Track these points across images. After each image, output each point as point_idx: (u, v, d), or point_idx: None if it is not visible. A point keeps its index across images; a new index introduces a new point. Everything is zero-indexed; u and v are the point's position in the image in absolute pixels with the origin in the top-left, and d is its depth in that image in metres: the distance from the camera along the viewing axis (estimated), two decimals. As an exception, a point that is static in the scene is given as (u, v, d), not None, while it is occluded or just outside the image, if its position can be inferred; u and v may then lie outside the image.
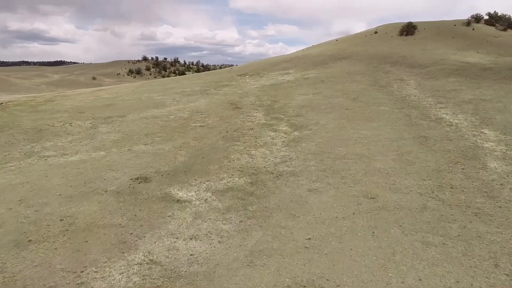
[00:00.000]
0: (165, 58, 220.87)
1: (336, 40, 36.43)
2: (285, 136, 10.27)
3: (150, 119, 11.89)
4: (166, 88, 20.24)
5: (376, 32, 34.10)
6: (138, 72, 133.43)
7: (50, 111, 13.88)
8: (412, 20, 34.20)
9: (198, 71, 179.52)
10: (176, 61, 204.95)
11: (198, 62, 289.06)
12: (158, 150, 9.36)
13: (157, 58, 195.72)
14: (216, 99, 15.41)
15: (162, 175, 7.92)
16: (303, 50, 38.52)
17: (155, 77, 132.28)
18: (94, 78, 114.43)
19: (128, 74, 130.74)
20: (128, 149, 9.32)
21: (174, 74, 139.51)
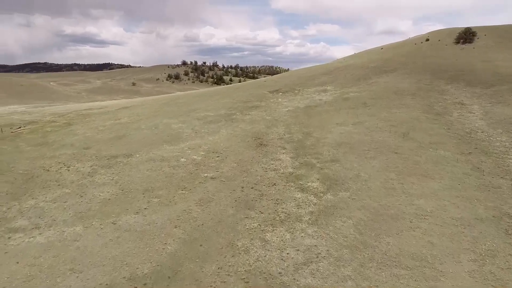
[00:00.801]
0: (204, 63, 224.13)
1: (381, 49, 33.48)
2: (314, 201, 8.14)
3: (158, 162, 10.35)
4: (190, 109, 18.83)
5: (427, 40, 30.80)
6: (177, 77, 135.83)
7: (57, 144, 12.84)
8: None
9: (236, 75, 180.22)
10: (214, 65, 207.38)
11: (236, 66, 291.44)
12: (149, 225, 7.47)
13: (196, 62, 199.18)
14: (240, 129, 13.64)
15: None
16: (344, 59, 35.94)
17: (193, 82, 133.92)
18: (133, 84, 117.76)
19: (167, 79, 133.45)
20: (113, 223, 7.64)
21: (212, 79, 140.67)
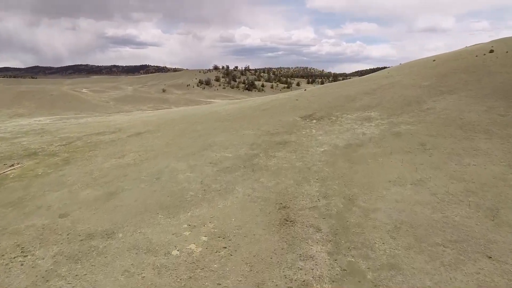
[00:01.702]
0: (236, 67, 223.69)
1: (434, 61, 29.39)
2: None
3: (141, 255, 7.60)
4: (206, 144, 16.19)
5: (492, 51, 26.47)
6: (208, 83, 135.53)
7: (32, 205, 10.49)
8: None
9: (268, 79, 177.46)
10: (246, 69, 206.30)
11: (269, 69, 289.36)
12: None
13: (227, 67, 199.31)
14: (261, 188, 10.71)
15: None
16: (389, 72, 32.12)
17: (224, 88, 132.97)
18: (164, 91, 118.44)
19: (197, 85, 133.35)
20: None
21: (243, 85, 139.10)
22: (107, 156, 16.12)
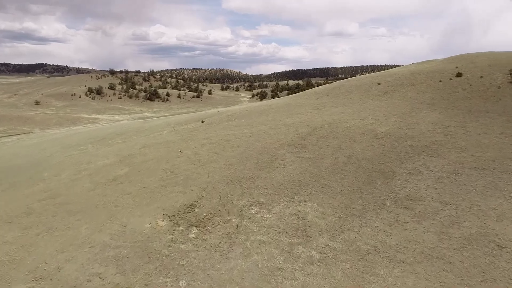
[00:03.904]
0: (139, 71, 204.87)
1: (379, 84, 21.85)
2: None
3: None
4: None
5: (459, 75, 19.60)
6: (99, 92, 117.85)
7: None
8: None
9: (176, 86, 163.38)
10: (151, 74, 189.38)
11: (177, 75, 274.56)
12: None
13: (127, 71, 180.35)
14: None
15: None
16: (318, 98, 24.07)
17: (120, 98, 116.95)
18: (37, 103, 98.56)
19: (86, 95, 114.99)
20: None
21: (144, 93, 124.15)
22: None
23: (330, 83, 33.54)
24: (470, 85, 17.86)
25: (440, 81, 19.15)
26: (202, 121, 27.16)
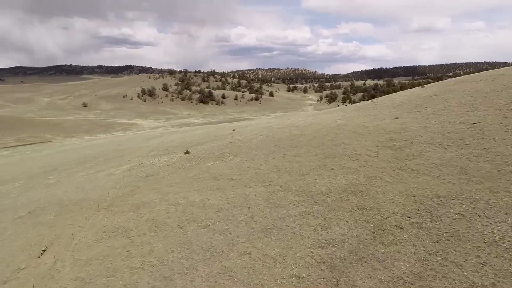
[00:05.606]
0: (199, 71, 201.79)
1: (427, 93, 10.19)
2: None
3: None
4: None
5: None
6: (151, 93, 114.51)
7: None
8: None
9: (236, 87, 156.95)
10: (210, 74, 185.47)
11: (241, 74, 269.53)
12: None
13: (185, 71, 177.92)
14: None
15: None
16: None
17: (172, 100, 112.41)
18: (85, 105, 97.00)
19: (138, 96, 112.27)
20: None
21: (199, 95, 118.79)
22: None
23: (422, 85, 21.66)
24: None
25: None
26: (186, 152, 17.51)
